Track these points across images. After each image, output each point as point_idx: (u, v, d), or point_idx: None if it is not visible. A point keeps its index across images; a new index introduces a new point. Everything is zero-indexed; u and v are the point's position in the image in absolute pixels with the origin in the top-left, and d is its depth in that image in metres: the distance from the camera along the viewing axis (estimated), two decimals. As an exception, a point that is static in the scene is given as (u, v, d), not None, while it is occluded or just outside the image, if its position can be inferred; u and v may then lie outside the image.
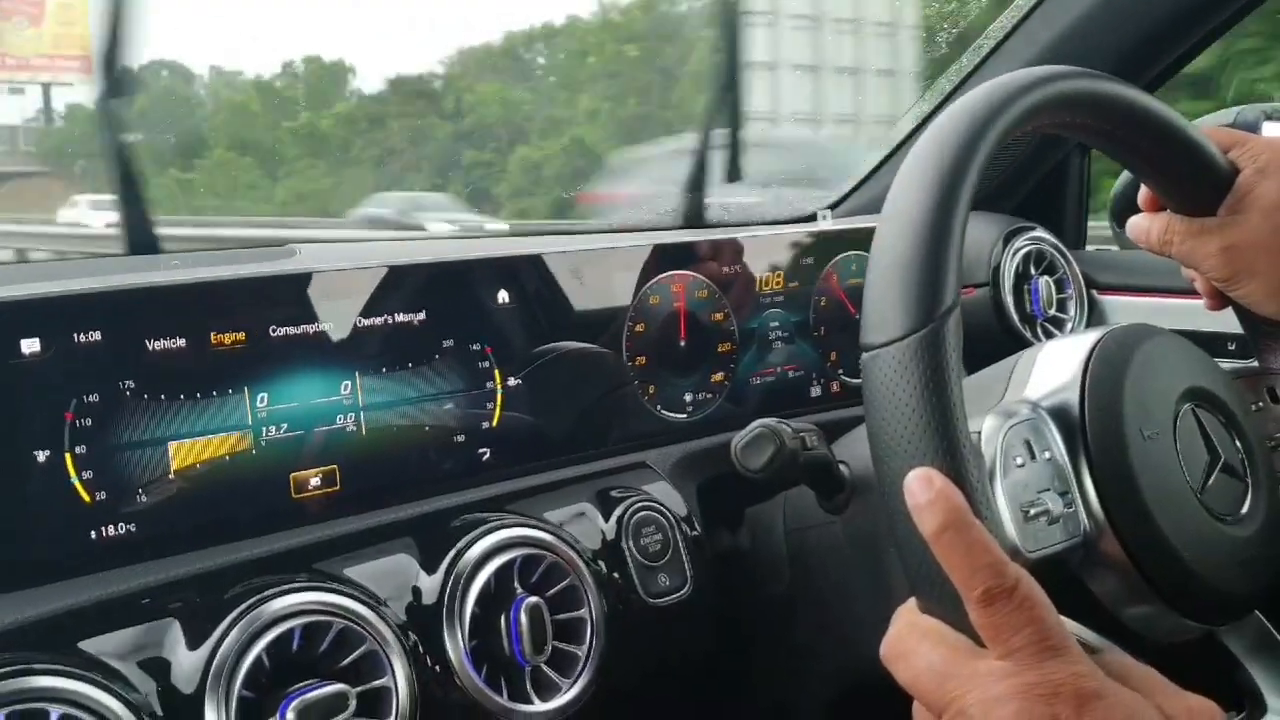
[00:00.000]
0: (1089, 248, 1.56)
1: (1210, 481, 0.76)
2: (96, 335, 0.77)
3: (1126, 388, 0.75)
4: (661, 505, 0.98)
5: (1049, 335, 1.34)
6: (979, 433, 0.73)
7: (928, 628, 0.57)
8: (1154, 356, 0.78)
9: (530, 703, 0.83)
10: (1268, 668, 0.80)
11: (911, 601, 0.60)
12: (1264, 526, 0.78)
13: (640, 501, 0.97)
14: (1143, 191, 0.85)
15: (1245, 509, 0.77)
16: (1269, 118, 1.31)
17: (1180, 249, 0.83)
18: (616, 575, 0.92)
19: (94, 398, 0.77)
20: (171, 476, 0.80)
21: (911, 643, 0.57)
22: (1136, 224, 0.86)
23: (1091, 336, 0.79)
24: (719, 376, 1.12)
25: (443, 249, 0.99)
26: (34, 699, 0.65)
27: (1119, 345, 0.77)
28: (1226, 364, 0.88)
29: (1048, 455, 0.74)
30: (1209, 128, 0.81)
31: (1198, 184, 0.80)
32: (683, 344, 1.10)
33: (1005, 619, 0.53)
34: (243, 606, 0.74)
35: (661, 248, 1.10)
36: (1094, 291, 1.42)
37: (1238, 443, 0.79)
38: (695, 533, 0.99)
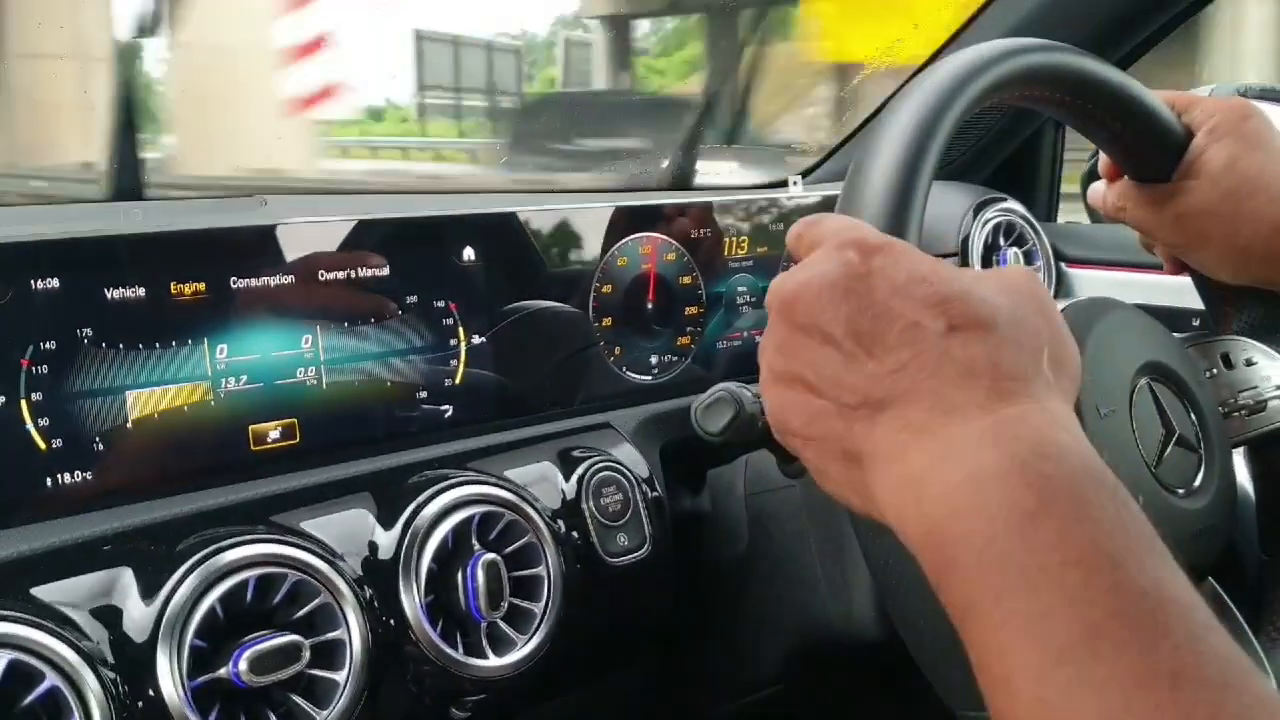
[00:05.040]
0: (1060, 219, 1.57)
1: (1165, 455, 0.77)
2: (54, 282, 0.76)
3: (1084, 365, 0.75)
4: (623, 466, 0.98)
5: (1016, 306, 1.35)
6: None
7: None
8: (1110, 332, 0.78)
9: (485, 657, 0.83)
10: None
11: None
12: (1215, 497, 0.78)
13: (602, 462, 0.97)
14: (1102, 159, 0.86)
15: (1198, 481, 0.78)
16: (1241, 96, 1.32)
17: (1133, 215, 0.83)
18: (575, 534, 0.93)
19: (51, 345, 0.76)
20: (129, 426, 0.80)
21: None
22: (1095, 191, 0.87)
23: None
24: (685, 340, 1.12)
25: (411, 204, 0.99)
26: None
27: (1076, 320, 0.78)
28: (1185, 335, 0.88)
29: None
30: (1164, 92, 0.81)
31: (1154, 150, 0.80)
32: (650, 306, 1.10)
33: None
34: (196, 557, 0.74)
35: (631, 209, 1.09)
36: (1062, 264, 1.43)
37: (1191, 414, 0.80)
38: (656, 494, 0.99)
